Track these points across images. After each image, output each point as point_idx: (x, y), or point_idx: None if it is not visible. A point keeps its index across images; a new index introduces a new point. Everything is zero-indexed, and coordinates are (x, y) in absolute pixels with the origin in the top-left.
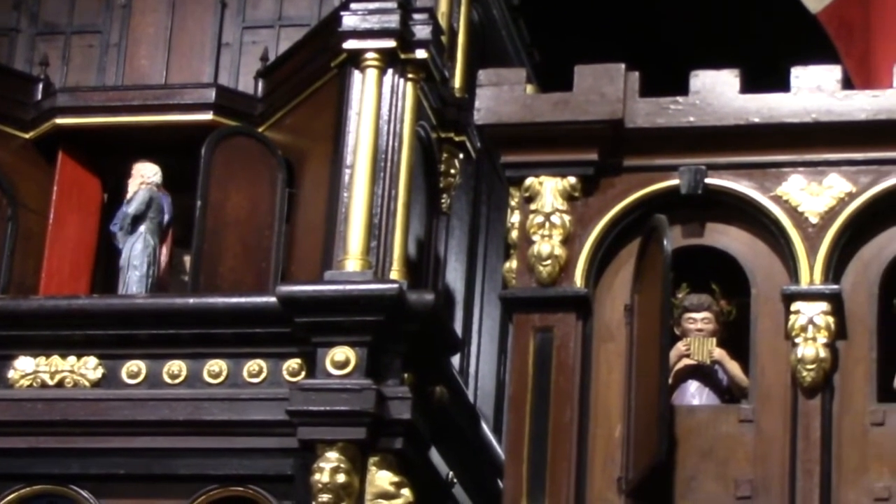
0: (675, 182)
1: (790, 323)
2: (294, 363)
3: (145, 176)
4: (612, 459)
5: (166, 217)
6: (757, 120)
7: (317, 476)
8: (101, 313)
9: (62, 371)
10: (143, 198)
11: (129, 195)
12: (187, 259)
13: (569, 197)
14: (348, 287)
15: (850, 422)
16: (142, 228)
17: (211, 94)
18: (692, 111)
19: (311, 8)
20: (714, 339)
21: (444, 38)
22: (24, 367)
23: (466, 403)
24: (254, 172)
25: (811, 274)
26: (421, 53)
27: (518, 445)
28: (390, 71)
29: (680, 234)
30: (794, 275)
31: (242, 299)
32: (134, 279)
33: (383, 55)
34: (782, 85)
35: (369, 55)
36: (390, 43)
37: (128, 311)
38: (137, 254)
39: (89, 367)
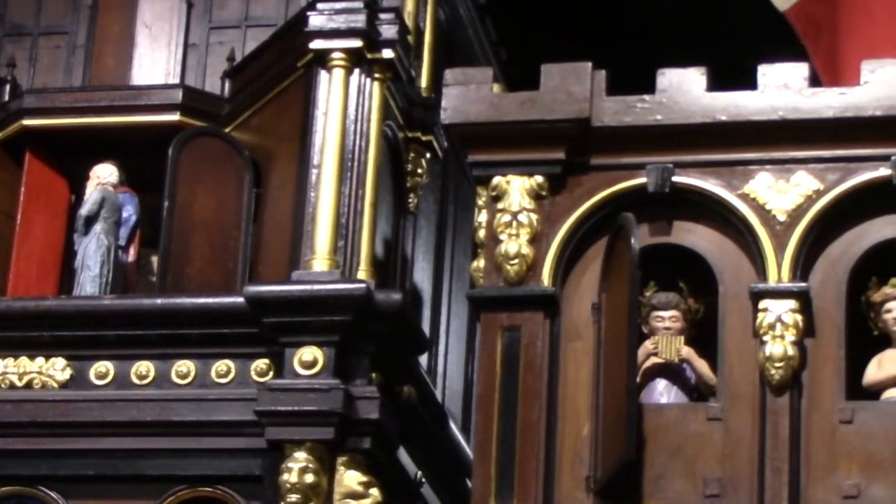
0: (642, 180)
1: (758, 321)
2: (262, 363)
3: (101, 177)
4: (581, 458)
5: (133, 218)
6: (724, 118)
7: (285, 476)
8: (69, 314)
9: (30, 372)
10: (95, 198)
11: (86, 197)
12: (155, 259)
13: (536, 196)
14: (316, 287)
15: (818, 420)
16: (97, 228)
17: (178, 95)
18: (659, 109)
19: (277, 8)
20: (682, 338)
21: (410, 38)
22: None
23: (434, 403)
24: (221, 173)
25: (779, 272)
26: (387, 53)
27: (486, 444)
28: (357, 71)
29: (647, 233)
30: (761, 273)
31: (210, 300)
32: (87, 280)
33: (350, 55)
34: (749, 83)
35: (336, 55)
36: (357, 43)
37: (96, 312)
38: (91, 254)
39: (57, 369)
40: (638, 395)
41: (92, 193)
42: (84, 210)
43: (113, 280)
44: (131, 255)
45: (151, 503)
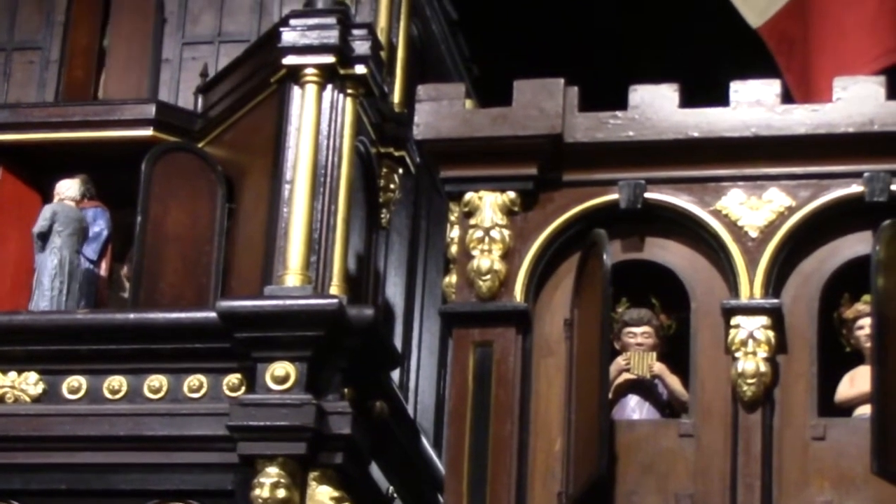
0: (614, 196)
1: (730, 337)
2: (234, 378)
3: (60, 192)
4: (553, 474)
5: (105, 233)
6: (696, 134)
7: (257, 491)
8: (42, 329)
9: (3, 387)
10: (45, 214)
11: None
12: (124, 273)
13: (508, 211)
14: (288, 302)
15: (790, 436)
16: (55, 242)
17: (151, 110)
18: (631, 126)
19: (250, 24)
20: (654, 354)
21: (383, 54)
22: None
23: (406, 418)
24: (194, 188)
25: (751, 288)
26: (360, 69)
27: (458, 460)
28: (329, 86)
29: (619, 249)
30: (733, 289)
31: (182, 314)
32: (44, 295)
33: (322, 71)
34: (721, 99)
35: (309, 71)
36: (329, 58)
37: (68, 327)
38: (47, 269)
39: (30, 383)
40: (610, 411)
41: (43, 209)
42: (35, 228)
43: (86, 294)
44: (103, 269)
45: None
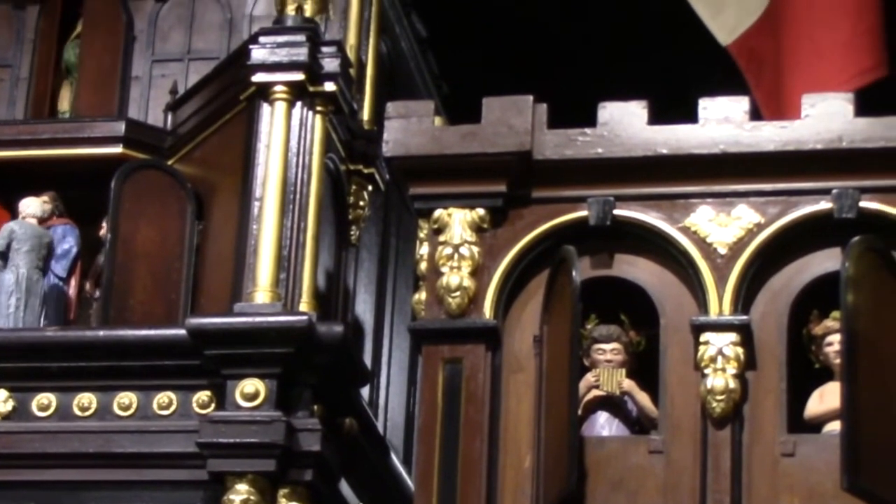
0: (583, 213)
1: (699, 354)
2: (204, 395)
3: (22, 210)
4: (522, 490)
5: (74, 250)
6: (665, 151)
7: None
8: (12, 346)
9: None
10: (4, 233)
11: None
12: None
13: (477, 228)
14: (258, 319)
15: (760, 452)
16: (15, 260)
17: (121, 128)
18: (600, 143)
19: (220, 41)
20: (623, 370)
21: (352, 71)
22: None
23: (376, 435)
24: (163, 205)
25: (720, 305)
26: (329, 86)
27: (428, 477)
28: (299, 104)
29: (589, 266)
30: (703, 305)
31: (152, 332)
32: (0, 313)
33: (292, 88)
34: (690, 116)
35: (278, 88)
36: (299, 76)
37: (38, 344)
38: (4, 286)
39: None
40: (579, 428)
41: (2, 228)
42: None
43: (54, 311)
44: (72, 286)
45: None
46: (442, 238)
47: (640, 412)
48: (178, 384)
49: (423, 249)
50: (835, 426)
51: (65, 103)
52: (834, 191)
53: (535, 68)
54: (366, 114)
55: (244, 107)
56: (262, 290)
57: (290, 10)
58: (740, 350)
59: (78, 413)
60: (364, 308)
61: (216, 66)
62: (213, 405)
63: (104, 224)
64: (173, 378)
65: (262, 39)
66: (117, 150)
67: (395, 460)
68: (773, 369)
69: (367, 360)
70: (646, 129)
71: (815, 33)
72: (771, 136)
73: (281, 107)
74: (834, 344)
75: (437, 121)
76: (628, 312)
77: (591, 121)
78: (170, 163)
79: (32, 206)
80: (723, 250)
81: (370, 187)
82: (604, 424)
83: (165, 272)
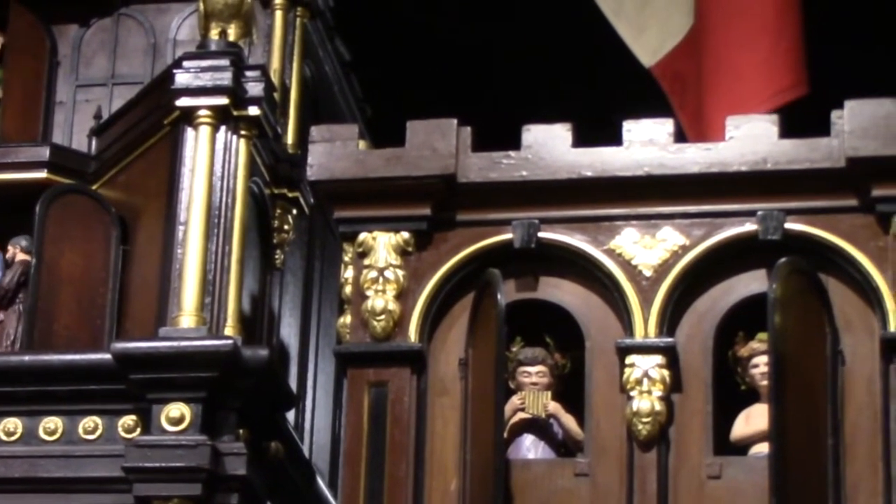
0: (508, 236)
1: (625, 376)
2: (129, 420)
3: None
4: None
5: None
6: (589, 174)
7: None
8: None
9: None
10: None
11: None
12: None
13: (402, 252)
14: (182, 343)
15: (686, 475)
16: None
17: (45, 153)
18: (524, 165)
19: (144, 66)
20: (549, 393)
21: (276, 95)
22: None
23: (302, 458)
24: (88, 230)
25: (645, 327)
26: (253, 110)
27: (354, 500)
28: (223, 128)
29: (514, 288)
30: (628, 328)
31: (77, 356)
32: None
33: (216, 112)
34: (614, 139)
35: (202, 112)
36: (223, 100)
37: None
38: None
39: None
40: (505, 451)
41: None
42: None
43: None
44: None
45: None
46: (367, 261)
47: (565, 435)
48: (103, 409)
49: (348, 273)
50: (761, 448)
51: None
52: (759, 213)
53: (459, 91)
54: (290, 138)
55: (168, 131)
56: (187, 314)
57: (214, 34)
58: (666, 372)
59: (3, 438)
60: (289, 332)
61: (140, 91)
62: (138, 429)
63: (10, 247)
64: (99, 402)
65: (185, 64)
66: (42, 175)
67: (322, 484)
68: (698, 391)
69: (293, 383)
70: (570, 151)
71: (734, 54)
72: (695, 157)
73: (205, 131)
74: (760, 366)
75: (362, 144)
76: (553, 335)
77: (515, 143)
78: (94, 188)
79: None
80: (648, 272)
81: (294, 211)
82: (530, 447)
83: (90, 297)
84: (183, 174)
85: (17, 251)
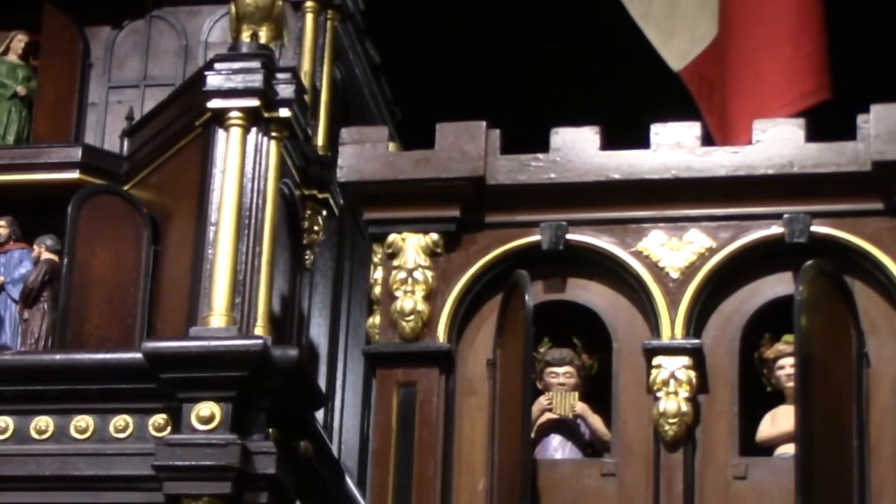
0: (536, 238)
1: (652, 377)
2: (160, 418)
3: None
4: None
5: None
6: (617, 176)
7: None
8: None
9: None
10: None
11: None
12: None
13: (431, 253)
14: (213, 343)
15: (712, 475)
16: None
17: (77, 153)
18: (553, 168)
19: (175, 67)
20: (576, 394)
21: (307, 97)
22: None
23: (331, 458)
24: (119, 230)
25: (672, 328)
26: (284, 112)
27: (382, 499)
28: (254, 129)
29: (541, 290)
30: (655, 329)
31: (108, 355)
32: None
33: (247, 114)
34: (642, 142)
35: (233, 114)
36: (254, 102)
37: None
38: None
39: None
40: (533, 451)
41: None
42: None
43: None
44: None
45: None
46: (396, 262)
47: (592, 435)
48: (134, 407)
49: (377, 274)
50: (786, 449)
51: None
52: (785, 216)
53: (488, 94)
54: (320, 139)
55: (199, 132)
56: (217, 314)
57: (245, 36)
58: (692, 373)
59: (35, 436)
60: (318, 332)
61: (172, 93)
62: (169, 428)
63: (35, 246)
64: (130, 401)
65: (217, 66)
66: (74, 175)
67: (350, 483)
68: (724, 392)
69: (322, 383)
70: (598, 154)
71: (757, 58)
72: (722, 161)
73: (236, 132)
74: (786, 367)
75: (391, 146)
76: (581, 336)
77: (543, 146)
78: (126, 188)
79: None
80: (675, 274)
81: (324, 212)
82: (557, 447)
83: (121, 296)
84: (214, 175)
85: (43, 250)
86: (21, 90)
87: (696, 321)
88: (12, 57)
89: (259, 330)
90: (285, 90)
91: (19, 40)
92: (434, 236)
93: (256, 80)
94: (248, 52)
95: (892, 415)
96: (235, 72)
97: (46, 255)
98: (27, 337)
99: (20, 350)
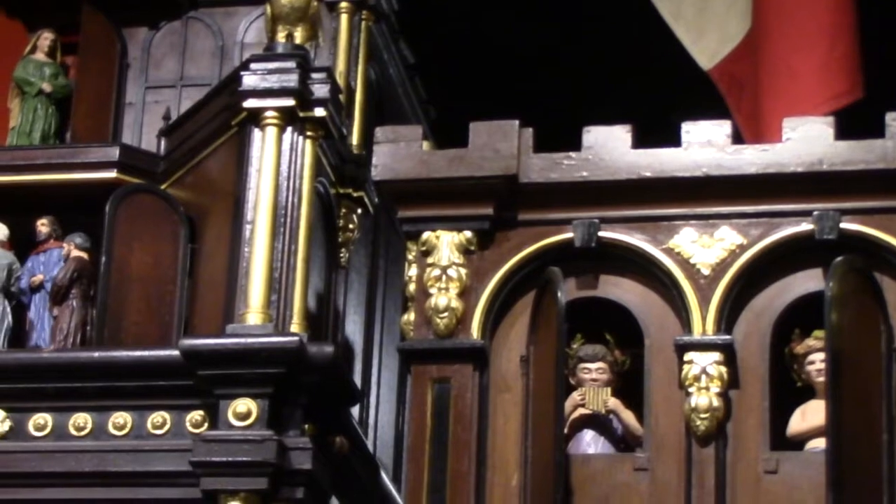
0: (569, 235)
1: (683, 373)
2: (197, 415)
3: None
4: None
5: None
6: (649, 174)
7: None
8: (9, 367)
9: None
10: None
11: None
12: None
13: (465, 250)
14: (249, 340)
15: (743, 470)
16: None
17: (115, 153)
18: (585, 166)
19: (211, 68)
20: (609, 389)
21: (341, 97)
22: None
23: (366, 453)
24: (157, 228)
25: (703, 325)
26: (319, 111)
27: (417, 495)
28: (289, 129)
29: (574, 287)
30: (686, 325)
31: (146, 353)
32: None
33: (283, 113)
34: (673, 140)
35: (269, 113)
36: (289, 102)
37: (35, 365)
38: None
39: None
40: (566, 446)
41: None
42: None
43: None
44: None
45: None
46: (430, 260)
47: (625, 430)
48: (171, 404)
49: (412, 271)
50: (817, 443)
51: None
52: (815, 213)
53: (521, 93)
54: (355, 138)
55: (236, 132)
56: (253, 311)
57: (281, 37)
58: (724, 369)
59: (74, 433)
60: (354, 329)
61: (208, 93)
62: (206, 424)
63: (64, 244)
64: (167, 398)
65: (253, 66)
66: (112, 174)
67: (385, 478)
68: (755, 388)
69: (357, 379)
70: (630, 152)
71: (791, 58)
72: (753, 159)
73: (272, 132)
74: (816, 362)
75: (425, 145)
76: (613, 332)
77: (576, 145)
78: (163, 187)
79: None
80: (706, 271)
81: (359, 210)
82: (590, 442)
83: (159, 294)
84: (250, 174)
85: (72, 248)
86: (46, 87)
87: (728, 317)
88: (39, 55)
89: (295, 327)
90: (320, 90)
91: (45, 38)
92: (468, 234)
93: (292, 79)
94: (283, 52)
95: None
96: (271, 72)
97: (76, 253)
98: (56, 334)
99: (58, 348)
